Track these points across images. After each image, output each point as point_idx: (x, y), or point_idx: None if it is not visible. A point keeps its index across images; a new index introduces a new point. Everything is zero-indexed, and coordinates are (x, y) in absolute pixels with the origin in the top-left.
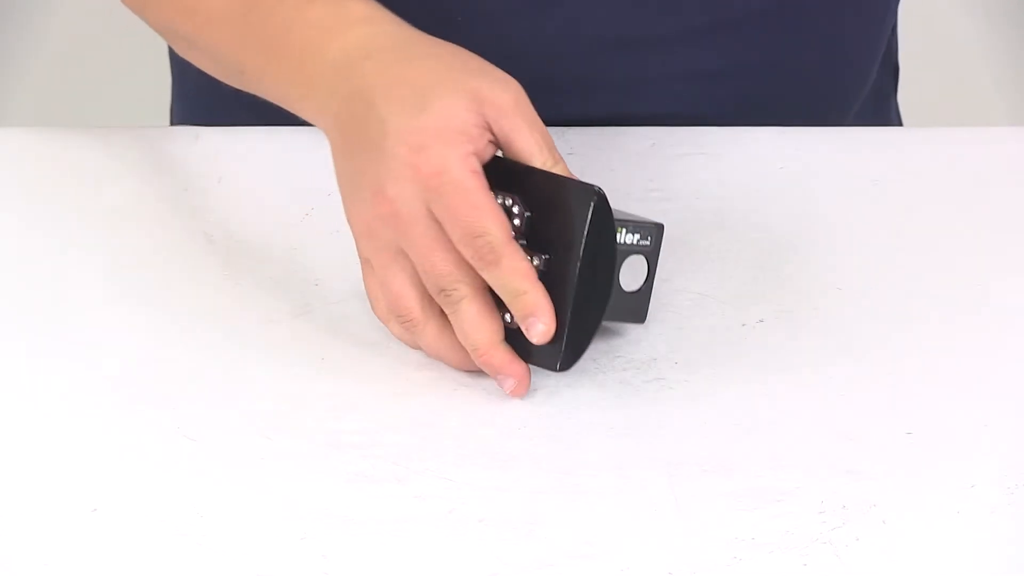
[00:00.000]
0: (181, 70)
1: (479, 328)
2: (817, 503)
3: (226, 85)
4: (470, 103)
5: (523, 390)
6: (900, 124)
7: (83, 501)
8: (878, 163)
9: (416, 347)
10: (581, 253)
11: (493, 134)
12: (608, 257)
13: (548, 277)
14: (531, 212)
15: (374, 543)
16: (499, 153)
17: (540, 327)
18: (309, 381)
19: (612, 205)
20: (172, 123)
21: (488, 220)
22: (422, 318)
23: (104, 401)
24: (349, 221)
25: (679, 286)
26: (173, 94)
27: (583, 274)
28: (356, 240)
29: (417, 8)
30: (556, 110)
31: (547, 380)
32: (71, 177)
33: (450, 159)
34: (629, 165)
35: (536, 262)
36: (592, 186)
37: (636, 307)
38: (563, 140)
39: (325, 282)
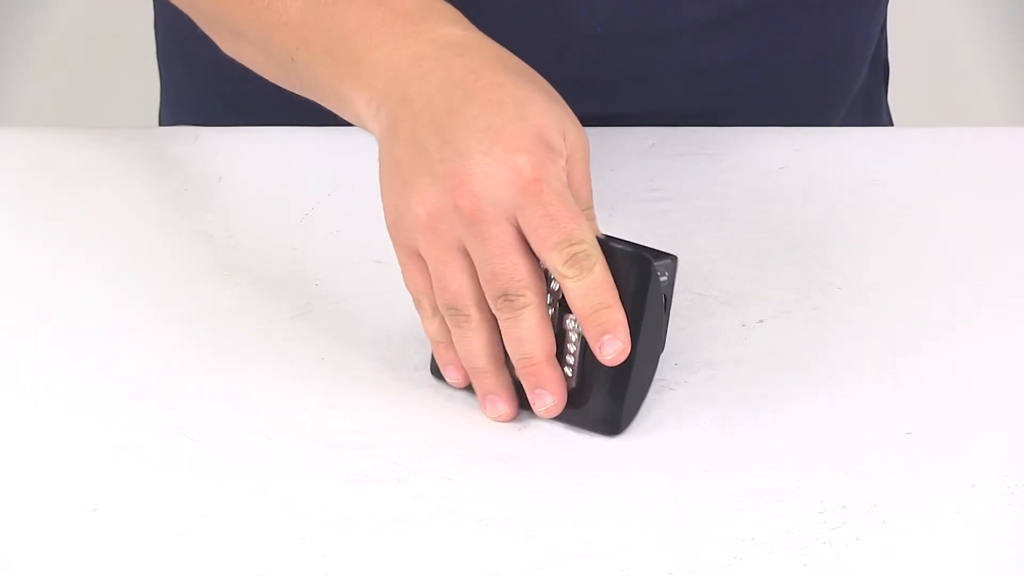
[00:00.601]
0: (170, 74)
1: (538, 338)
2: (817, 503)
3: (215, 91)
4: (560, 128)
5: (556, 412)
6: (891, 123)
7: (83, 501)
8: (878, 163)
9: (448, 351)
10: None
11: None
12: (651, 334)
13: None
14: None
15: (374, 543)
16: None
17: (617, 344)
18: (309, 381)
19: (612, 205)
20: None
21: (587, 230)
22: (478, 317)
23: (104, 401)
24: (400, 213)
25: (679, 286)
26: (162, 100)
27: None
28: (406, 233)
29: None
30: None
31: None
32: (71, 177)
33: (550, 170)
34: (629, 165)
35: (571, 323)
36: (640, 255)
37: None
38: None
39: (325, 282)
